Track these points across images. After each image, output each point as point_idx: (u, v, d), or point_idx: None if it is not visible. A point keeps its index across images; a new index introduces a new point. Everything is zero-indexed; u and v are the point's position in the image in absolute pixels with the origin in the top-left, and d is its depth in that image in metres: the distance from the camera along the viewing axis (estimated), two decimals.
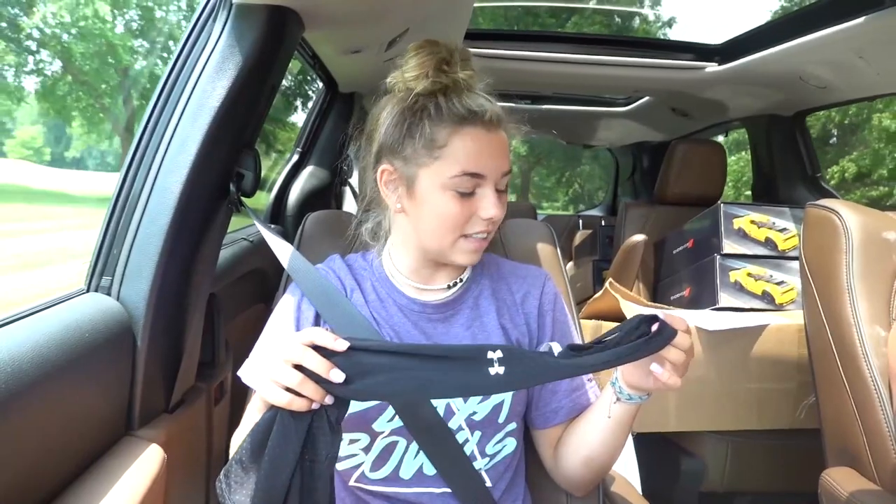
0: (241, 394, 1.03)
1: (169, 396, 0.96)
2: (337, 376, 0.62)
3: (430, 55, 0.80)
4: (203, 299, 1.03)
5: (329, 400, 0.63)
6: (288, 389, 0.62)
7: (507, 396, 0.86)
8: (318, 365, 0.62)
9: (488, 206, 0.80)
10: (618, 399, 0.81)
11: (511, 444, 0.89)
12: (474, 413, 0.84)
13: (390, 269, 0.91)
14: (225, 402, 1.20)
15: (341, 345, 0.63)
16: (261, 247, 1.59)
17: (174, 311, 0.95)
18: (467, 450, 0.84)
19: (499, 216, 0.81)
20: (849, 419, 1.12)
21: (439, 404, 0.83)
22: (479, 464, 0.85)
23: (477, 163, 0.78)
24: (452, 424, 0.83)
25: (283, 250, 0.95)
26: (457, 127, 0.78)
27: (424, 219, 0.83)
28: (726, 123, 2.85)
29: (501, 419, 0.86)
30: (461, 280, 0.91)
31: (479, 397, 0.84)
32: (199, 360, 1.08)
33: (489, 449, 0.86)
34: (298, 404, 0.62)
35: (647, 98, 2.92)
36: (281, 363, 0.63)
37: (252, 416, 0.80)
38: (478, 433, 0.85)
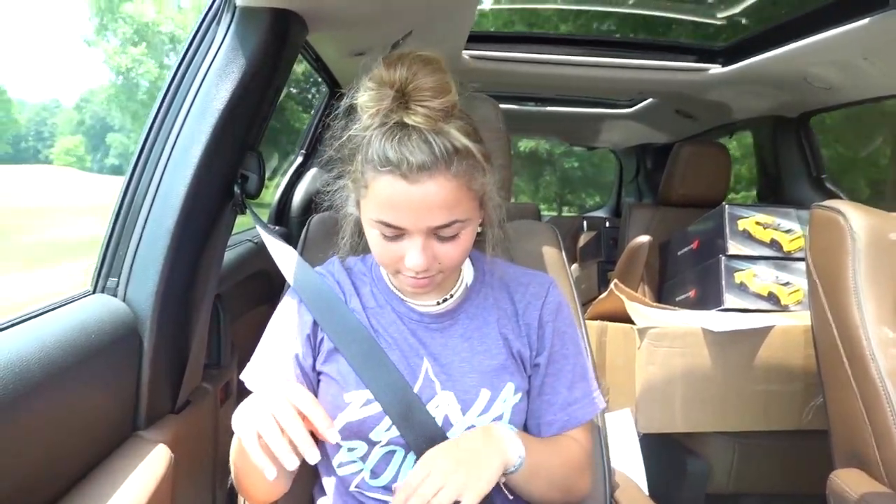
0: (247, 394, 1.03)
1: (175, 397, 0.96)
2: (312, 456, 0.63)
3: (379, 99, 0.72)
4: (209, 300, 1.04)
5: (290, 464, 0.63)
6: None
7: (506, 409, 0.83)
8: (301, 439, 0.63)
9: (409, 257, 0.74)
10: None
11: None
12: (472, 426, 0.82)
13: (386, 276, 0.89)
14: (231, 403, 1.20)
15: (333, 437, 0.65)
16: (265, 248, 1.60)
17: (180, 312, 0.95)
18: None
19: (424, 266, 0.74)
20: (857, 420, 1.11)
21: (437, 415, 0.81)
22: None
23: (390, 215, 0.73)
24: (450, 436, 0.81)
25: (282, 255, 0.93)
26: (376, 173, 0.72)
27: (369, 244, 0.80)
28: (730, 125, 2.84)
29: None
30: (451, 296, 0.87)
31: (479, 410, 0.82)
32: (204, 361, 1.08)
33: None
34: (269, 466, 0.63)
35: (650, 100, 2.92)
36: (268, 417, 0.64)
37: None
38: None
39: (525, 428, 0.89)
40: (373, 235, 0.77)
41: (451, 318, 0.87)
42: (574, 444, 0.88)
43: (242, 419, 0.67)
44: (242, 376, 0.85)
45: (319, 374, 0.85)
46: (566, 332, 0.90)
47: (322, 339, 0.85)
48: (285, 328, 0.86)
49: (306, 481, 0.94)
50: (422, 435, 0.80)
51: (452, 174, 0.71)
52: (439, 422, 0.81)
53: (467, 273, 0.91)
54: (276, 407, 0.64)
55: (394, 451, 0.83)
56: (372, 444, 0.82)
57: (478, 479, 0.71)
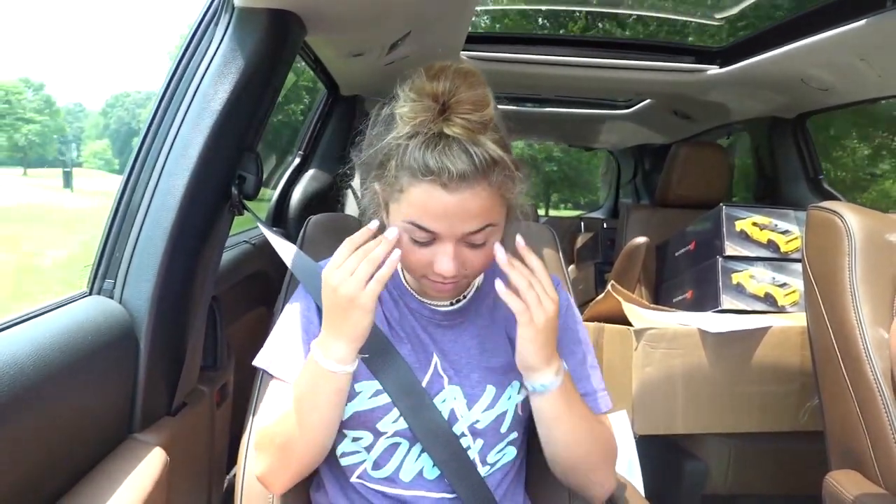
0: (243, 396, 1.03)
1: (171, 399, 0.96)
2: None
3: (419, 106, 0.75)
4: (205, 302, 1.03)
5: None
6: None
7: (510, 406, 0.85)
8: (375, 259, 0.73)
9: (440, 262, 0.76)
10: (529, 394, 0.81)
11: (511, 453, 0.89)
12: (477, 421, 0.84)
13: (401, 274, 0.91)
14: (227, 405, 1.20)
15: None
16: (263, 249, 1.60)
17: (176, 314, 0.95)
18: (469, 457, 0.84)
19: (454, 273, 0.76)
20: (852, 421, 1.12)
21: (443, 409, 0.83)
22: (481, 471, 0.85)
23: (423, 218, 0.74)
24: (455, 430, 0.84)
25: (287, 251, 0.95)
26: (414, 179, 0.73)
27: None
28: (728, 126, 2.85)
29: (504, 429, 0.86)
30: (465, 297, 0.90)
31: (484, 406, 0.85)
32: (201, 363, 1.08)
33: (490, 457, 0.86)
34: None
35: (648, 101, 2.93)
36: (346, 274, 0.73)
37: (276, 402, 0.84)
38: (480, 441, 0.85)
39: (533, 427, 0.89)
40: (403, 240, 0.77)
41: (462, 317, 0.89)
42: (602, 424, 0.89)
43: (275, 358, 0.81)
44: (256, 361, 0.87)
45: None
46: (575, 328, 0.93)
47: None
48: (297, 319, 0.88)
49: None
50: (428, 427, 0.82)
51: (489, 184, 0.74)
52: (445, 415, 0.83)
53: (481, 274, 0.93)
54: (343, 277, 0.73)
55: (398, 444, 0.84)
56: (378, 434, 0.83)
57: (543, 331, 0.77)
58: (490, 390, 0.85)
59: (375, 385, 0.83)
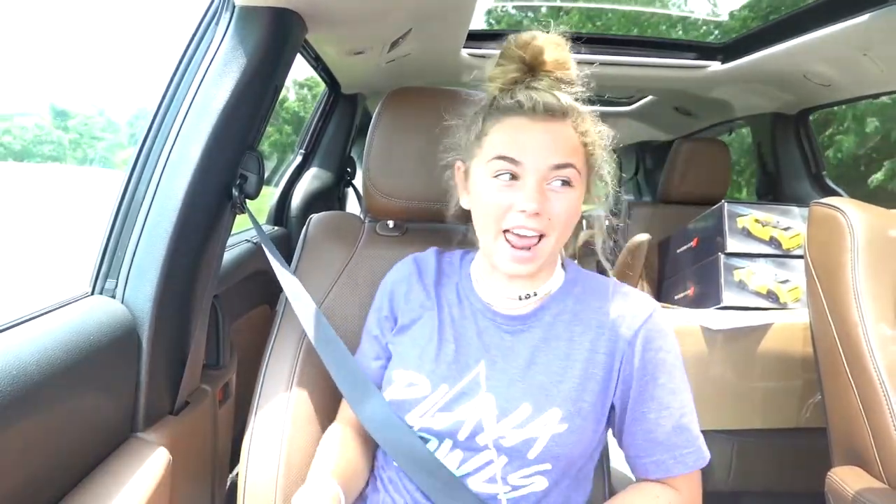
0: (246, 395, 1.03)
1: (174, 399, 0.96)
2: None
3: (510, 70, 0.82)
4: (207, 301, 1.04)
5: None
6: None
7: (543, 433, 0.78)
8: None
9: (524, 198, 0.76)
10: None
11: (540, 484, 0.81)
12: (503, 437, 0.80)
13: (476, 271, 0.91)
14: (230, 404, 1.20)
15: None
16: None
17: (178, 314, 0.95)
18: (490, 471, 0.81)
19: (536, 209, 0.76)
20: (855, 418, 1.12)
21: (468, 417, 0.80)
22: (499, 489, 0.81)
23: (510, 148, 0.78)
24: (479, 441, 0.80)
25: (284, 277, 1.00)
26: (500, 117, 0.80)
27: (475, 210, 0.84)
28: (730, 122, 2.84)
29: (532, 455, 0.79)
30: (534, 293, 0.86)
31: (515, 423, 0.80)
32: (203, 363, 1.08)
33: (512, 479, 0.81)
34: None
35: (650, 97, 2.92)
36: None
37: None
38: (504, 458, 0.80)
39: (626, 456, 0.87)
40: (484, 187, 0.80)
41: (523, 323, 0.86)
42: (667, 492, 0.83)
43: None
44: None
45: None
46: (675, 364, 0.85)
47: (395, 319, 0.92)
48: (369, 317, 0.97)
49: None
50: (407, 453, 0.83)
51: (572, 125, 0.80)
52: (470, 425, 0.81)
53: (556, 280, 0.88)
54: None
55: (426, 440, 0.83)
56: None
57: None
58: (525, 408, 0.80)
59: (410, 376, 0.84)
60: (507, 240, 0.79)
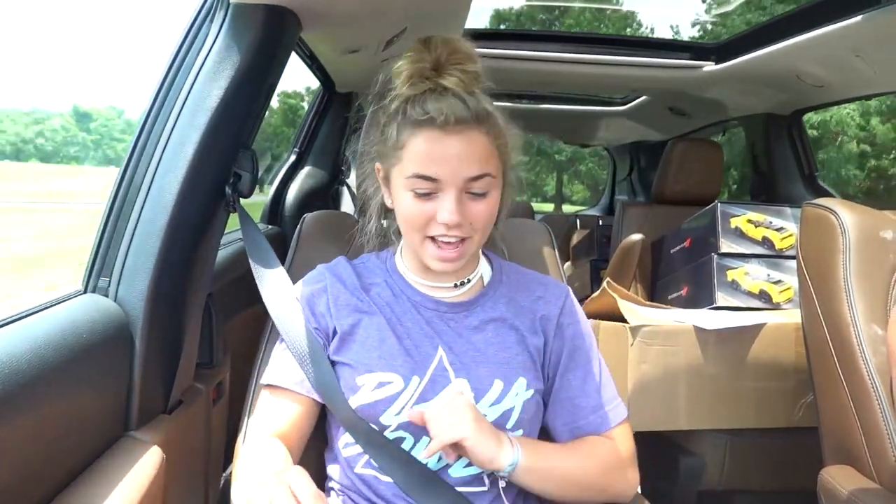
0: (240, 394, 1.03)
1: (167, 397, 0.96)
2: None
3: (415, 63, 0.81)
4: (201, 300, 1.03)
5: None
6: None
7: (517, 402, 0.85)
8: None
9: (443, 211, 0.79)
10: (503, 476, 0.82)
11: None
12: (484, 416, 0.83)
13: (402, 266, 0.93)
14: (223, 403, 1.19)
15: None
16: None
17: (172, 312, 0.95)
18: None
19: (457, 220, 0.79)
20: (847, 417, 1.12)
21: None
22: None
23: (427, 166, 0.78)
24: None
25: (265, 277, 0.97)
26: (414, 129, 0.79)
27: (398, 215, 0.86)
28: (724, 122, 2.85)
29: (510, 425, 0.85)
30: (468, 280, 0.91)
31: (492, 400, 0.84)
32: (196, 361, 1.08)
33: None
34: None
35: (644, 97, 2.93)
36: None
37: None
38: None
39: (547, 428, 0.92)
40: (405, 199, 0.81)
41: (466, 309, 0.90)
42: (606, 443, 0.89)
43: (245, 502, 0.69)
44: (263, 380, 0.89)
45: (334, 364, 0.88)
46: (590, 334, 0.94)
47: (333, 330, 0.88)
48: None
49: (312, 460, 0.94)
50: (388, 455, 0.82)
51: (484, 131, 0.79)
52: None
53: (484, 267, 0.95)
54: (277, 496, 0.64)
55: (402, 438, 0.84)
56: (382, 427, 0.84)
57: (480, 441, 0.77)
58: (498, 385, 0.85)
59: (378, 377, 0.83)
60: (432, 242, 0.82)
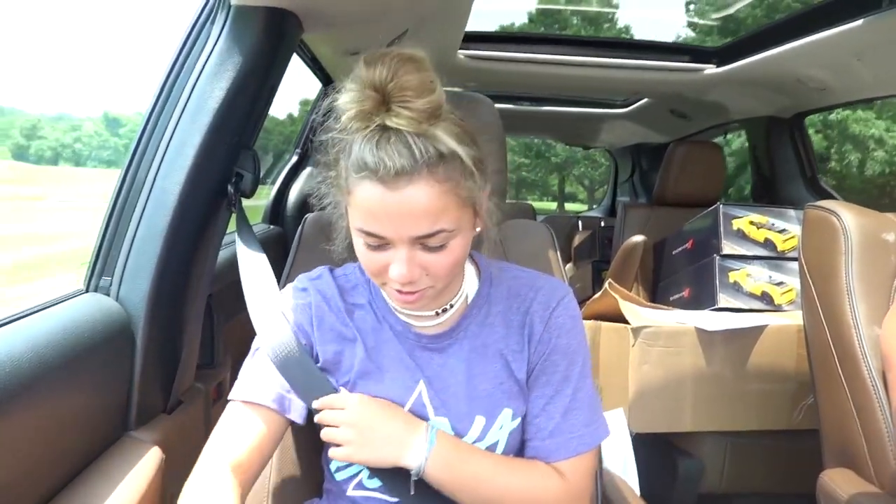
0: None
1: (167, 397, 0.96)
2: None
3: (358, 101, 0.67)
4: (202, 300, 1.03)
5: None
6: None
7: (502, 436, 0.79)
8: None
9: (393, 269, 0.70)
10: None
11: None
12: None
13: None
14: (223, 403, 1.19)
15: None
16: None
17: (173, 312, 0.95)
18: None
19: (408, 278, 0.70)
20: (847, 420, 1.12)
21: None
22: None
23: (370, 224, 0.69)
24: None
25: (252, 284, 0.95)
26: (357, 178, 0.68)
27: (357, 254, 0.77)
28: (725, 125, 2.85)
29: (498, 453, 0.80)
30: (451, 306, 0.81)
31: (474, 438, 0.79)
32: (197, 361, 1.08)
33: None
34: None
35: (645, 100, 2.93)
36: None
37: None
38: None
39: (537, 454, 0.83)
40: (358, 244, 0.73)
41: (450, 338, 0.82)
42: (551, 475, 0.80)
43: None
44: (234, 395, 0.81)
45: None
46: (577, 351, 0.83)
47: (316, 355, 0.82)
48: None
49: (300, 485, 0.93)
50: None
51: (436, 180, 0.67)
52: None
53: (470, 284, 0.85)
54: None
55: (362, 469, 0.81)
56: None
57: (362, 450, 0.76)
58: (479, 421, 0.79)
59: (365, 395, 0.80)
60: (390, 287, 0.74)
